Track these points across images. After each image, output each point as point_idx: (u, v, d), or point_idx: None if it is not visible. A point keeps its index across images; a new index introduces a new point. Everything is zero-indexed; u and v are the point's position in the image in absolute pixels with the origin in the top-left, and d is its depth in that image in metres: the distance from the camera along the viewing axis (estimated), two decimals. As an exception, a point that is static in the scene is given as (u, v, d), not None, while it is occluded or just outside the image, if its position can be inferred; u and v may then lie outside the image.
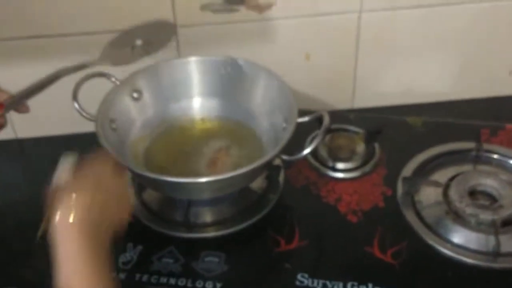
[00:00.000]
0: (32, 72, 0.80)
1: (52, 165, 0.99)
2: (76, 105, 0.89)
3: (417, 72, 1.14)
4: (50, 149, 1.08)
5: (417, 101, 1.17)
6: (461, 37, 1.09)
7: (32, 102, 0.86)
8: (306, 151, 0.84)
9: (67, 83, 0.86)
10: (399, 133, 1.07)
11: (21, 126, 1.10)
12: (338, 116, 1.06)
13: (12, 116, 0.86)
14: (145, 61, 0.95)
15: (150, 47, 0.92)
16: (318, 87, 1.14)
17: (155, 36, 0.94)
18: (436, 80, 1.16)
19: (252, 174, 0.86)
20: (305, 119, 0.88)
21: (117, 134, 0.92)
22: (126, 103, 0.97)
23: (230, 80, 0.99)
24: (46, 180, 0.90)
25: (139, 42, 0.92)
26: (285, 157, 0.85)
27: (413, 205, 0.92)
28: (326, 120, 0.85)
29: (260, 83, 0.97)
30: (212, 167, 0.93)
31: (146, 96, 0.98)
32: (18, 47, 1.00)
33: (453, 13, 1.05)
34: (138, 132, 0.98)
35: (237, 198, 0.93)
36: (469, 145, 1.01)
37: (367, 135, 1.03)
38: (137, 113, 0.99)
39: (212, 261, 0.84)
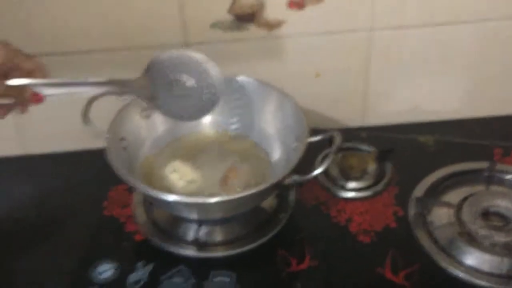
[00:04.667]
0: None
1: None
2: (86, 122, 0.89)
3: (427, 90, 1.16)
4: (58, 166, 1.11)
5: (427, 119, 1.18)
6: (471, 55, 1.11)
7: (40, 118, 0.91)
8: (317, 171, 0.85)
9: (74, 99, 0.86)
10: (410, 152, 1.09)
11: (30, 143, 1.13)
12: (349, 134, 1.08)
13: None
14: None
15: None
16: (328, 105, 1.16)
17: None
18: (446, 98, 1.17)
19: (263, 195, 0.87)
20: (317, 138, 0.90)
21: (127, 152, 0.94)
22: (136, 121, 0.99)
23: (241, 99, 1.01)
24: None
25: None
26: (296, 177, 0.86)
27: (425, 225, 0.92)
28: (338, 140, 0.88)
29: (271, 102, 0.99)
30: (223, 186, 0.94)
31: (156, 114, 0.98)
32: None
33: (462, 31, 1.07)
34: (149, 151, 1.00)
35: (247, 217, 0.94)
36: (482, 165, 1.02)
37: (378, 154, 1.05)
38: (147, 132, 1.01)
39: (223, 281, 0.85)
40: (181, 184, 0.94)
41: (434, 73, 1.13)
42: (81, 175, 1.07)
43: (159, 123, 1.01)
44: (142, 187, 0.84)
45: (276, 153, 0.99)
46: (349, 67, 1.10)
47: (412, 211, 0.95)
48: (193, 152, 1.02)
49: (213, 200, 0.82)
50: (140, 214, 0.97)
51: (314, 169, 0.86)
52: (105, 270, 0.88)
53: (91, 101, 0.89)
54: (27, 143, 1.13)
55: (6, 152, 1.14)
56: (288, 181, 0.85)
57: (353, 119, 1.18)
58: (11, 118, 0.75)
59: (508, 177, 1.00)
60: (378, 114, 1.18)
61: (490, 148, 1.07)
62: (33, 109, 0.75)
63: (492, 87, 1.15)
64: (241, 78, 1.00)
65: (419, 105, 1.17)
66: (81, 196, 1.03)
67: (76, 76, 0.83)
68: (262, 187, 0.82)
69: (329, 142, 0.92)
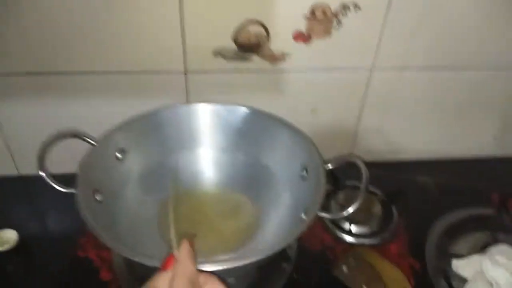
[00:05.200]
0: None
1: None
2: (42, 173, 0.45)
3: (414, 131, 0.75)
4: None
5: (412, 158, 0.77)
6: (458, 101, 0.72)
7: (33, 141, 0.49)
8: (353, 207, 0.44)
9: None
10: (412, 195, 0.67)
11: (23, 163, 0.68)
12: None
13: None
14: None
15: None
16: (319, 140, 0.74)
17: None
18: (433, 139, 0.77)
19: (267, 259, 0.42)
20: (332, 165, 0.50)
21: (104, 207, 0.47)
22: (110, 165, 0.51)
23: (245, 130, 0.57)
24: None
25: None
26: (327, 214, 0.45)
27: (449, 283, 0.52)
28: (364, 169, 0.47)
29: (276, 133, 0.55)
30: (223, 244, 0.49)
31: (134, 154, 0.53)
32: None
33: (456, 77, 0.68)
34: (129, 202, 0.51)
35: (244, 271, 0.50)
36: (486, 211, 0.62)
37: (385, 197, 0.63)
38: (125, 177, 0.53)
39: None
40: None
41: (422, 116, 0.73)
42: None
43: (138, 164, 0.54)
44: (126, 254, 0.39)
45: (280, 193, 0.53)
46: (345, 105, 0.70)
47: (431, 265, 0.53)
48: (186, 200, 0.55)
49: (205, 266, 0.38)
50: (118, 259, 0.53)
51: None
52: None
53: (45, 146, 0.46)
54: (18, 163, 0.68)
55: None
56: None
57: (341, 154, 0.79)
58: None
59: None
60: (364, 152, 0.77)
61: (488, 192, 0.67)
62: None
63: (471, 131, 0.77)
64: (243, 108, 0.57)
65: (407, 144, 0.77)
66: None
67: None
68: (263, 255, 0.39)
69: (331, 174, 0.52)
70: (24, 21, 0.55)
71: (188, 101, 0.64)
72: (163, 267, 0.36)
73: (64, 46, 0.58)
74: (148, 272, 0.36)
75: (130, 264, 0.52)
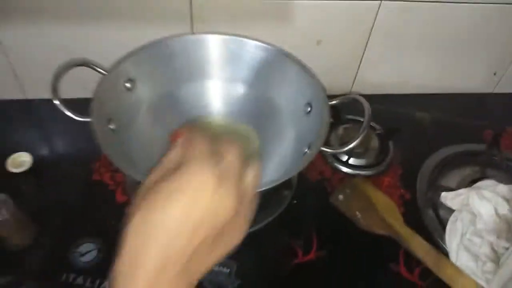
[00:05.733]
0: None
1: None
2: (57, 102, 0.46)
3: (415, 65, 0.75)
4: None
5: (412, 92, 0.78)
6: (460, 36, 0.71)
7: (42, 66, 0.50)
8: (354, 142, 0.46)
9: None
10: (409, 130, 0.69)
11: (30, 87, 0.67)
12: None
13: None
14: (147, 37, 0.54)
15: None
16: (323, 71, 0.74)
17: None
18: (436, 74, 0.77)
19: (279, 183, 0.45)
20: (335, 101, 0.51)
21: (117, 135, 0.48)
22: (120, 95, 0.52)
23: (252, 63, 0.57)
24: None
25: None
26: (327, 149, 0.46)
27: (435, 211, 0.56)
28: (367, 106, 0.49)
29: (282, 68, 0.55)
30: None
31: (143, 84, 0.53)
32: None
33: (458, 12, 0.67)
34: (141, 131, 0.53)
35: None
36: (478, 147, 0.65)
37: (383, 132, 0.65)
38: (136, 106, 0.53)
39: (222, 272, 0.47)
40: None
41: (426, 51, 0.72)
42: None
43: (148, 93, 0.54)
44: (137, 177, 0.41)
45: (285, 127, 0.55)
46: (351, 38, 0.69)
47: (420, 195, 0.57)
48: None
49: None
50: (132, 183, 0.56)
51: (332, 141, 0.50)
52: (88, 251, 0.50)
53: (58, 74, 0.47)
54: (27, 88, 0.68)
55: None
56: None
57: (342, 87, 0.77)
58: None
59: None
60: (365, 85, 0.77)
61: (481, 129, 0.69)
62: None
63: (475, 66, 0.77)
64: (251, 41, 0.55)
65: (405, 79, 0.77)
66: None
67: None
68: (276, 182, 0.42)
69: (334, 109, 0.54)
70: None
71: (192, 27, 0.62)
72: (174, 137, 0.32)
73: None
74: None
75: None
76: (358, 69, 0.75)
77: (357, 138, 0.45)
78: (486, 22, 0.70)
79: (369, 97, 0.71)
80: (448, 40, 0.73)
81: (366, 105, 0.48)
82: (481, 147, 0.65)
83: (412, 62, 0.76)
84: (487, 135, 0.69)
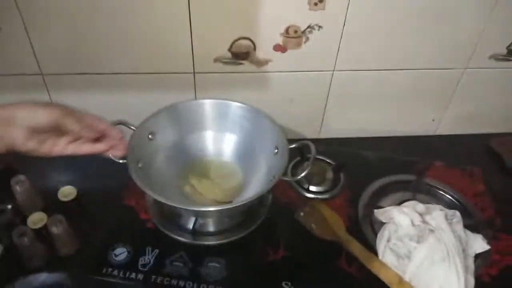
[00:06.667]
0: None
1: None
2: (111, 155, 0.66)
3: (367, 115, 0.97)
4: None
5: (366, 135, 1.00)
6: (398, 93, 0.92)
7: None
8: (303, 173, 0.67)
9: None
10: (358, 164, 0.90)
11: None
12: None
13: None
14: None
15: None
16: (296, 123, 0.96)
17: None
18: (381, 121, 0.98)
19: (258, 199, 0.66)
20: (293, 145, 0.72)
21: (143, 171, 0.70)
22: (145, 144, 0.75)
23: (236, 119, 0.80)
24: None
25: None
26: (286, 178, 0.68)
27: (370, 223, 0.76)
28: (313, 148, 0.70)
29: (257, 122, 0.77)
30: (222, 195, 0.75)
31: (160, 135, 0.76)
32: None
33: (398, 76, 0.89)
34: (159, 168, 0.76)
35: (235, 212, 0.75)
36: (410, 177, 0.85)
37: (335, 165, 0.87)
38: (156, 151, 0.76)
39: (214, 266, 0.68)
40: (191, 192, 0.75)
41: (374, 104, 0.94)
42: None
43: (163, 140, 0.77)
44: (155, 196, 0.63)
45: (260, 163, 0.77)
46: (314, 96, 0.91)
47: (361, 212, 0.78)
48: (198, 164, 0.81)
49: (211, 208, 0.66)
50: (151, 206, 0.77)
51: (298, 172, 0.69)
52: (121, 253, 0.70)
53: None
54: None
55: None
56: (279, 180, 0.66)
57: (312, 133, 0.99)
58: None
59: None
60: (331, 130, 0.98)
61: (414, 163, 0.89)
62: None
63: (415, 115, 0.98)
64: (234, 103, 0.80)
65: (361, 126, 0.98)
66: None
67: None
68: (258, 194, 0.63)
69: (299, 152, 0.74)
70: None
71: (196, 95, 0.86)
72: None
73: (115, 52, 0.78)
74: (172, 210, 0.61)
75: (159, 207, 0.76)
76: (322, 120, 0.97)
77: (304, 171, 0.67)
78: (418, 82, 0.91)
79: (331, 140, 0.94)
80: (391, 97, 0.94)
81: (312, 147, 0.70)
82: (411, 177, 0.86)
83: (364, 113, 0.97)
84: (417, 168, 0.89)
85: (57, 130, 0.57)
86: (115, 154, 0.64)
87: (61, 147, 0.58)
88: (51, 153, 0.58)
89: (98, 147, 0.61)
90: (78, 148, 0.59)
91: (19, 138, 0.54)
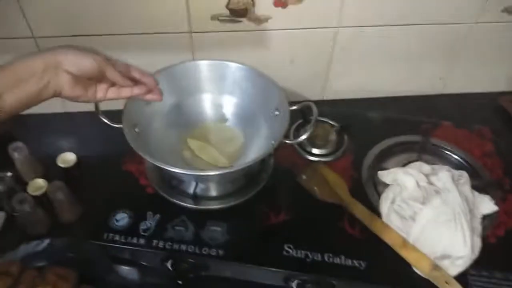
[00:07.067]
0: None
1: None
2: (102, 118, 0.66)
3: (372, 75, 0.93)
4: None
5: (371, 96, 0.96)
6: (404, 51, 0.88)
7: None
8: (305, 136, 0.65)
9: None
10: (362, 126, 0.87)
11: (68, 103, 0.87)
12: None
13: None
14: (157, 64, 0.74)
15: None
16: (297, 84, 0.92)
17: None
18: (386, 81, 0.94)
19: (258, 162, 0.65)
20: (294, 107, 0.69)
21: (140, 136, 0.69)
22: (142, 108, 0.72)
23: (235, 80, 0.77)
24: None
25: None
26: (288, 141, 0.66)
27: (374, 185, 0.74)
28: (315, 110, 0.67)
29: (257, 83, 0.74)
30: (223, 158, 0.73)
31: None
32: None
33: (402, 32, 0.84)
34: (156, 132, 0.73)
35: (237, 176, 0.73)
36: (416, 138, 0.82)
37: (339, 128, 0.83)
38: (153, 115, 0.74)
39: (216, 230, 0.67)
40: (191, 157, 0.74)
41: (378, 63, 0.90)
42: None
43: (160, 104, 0.72)
44: (154, 162, 0.61)
45: (261, 126, 0.75)
46: (317, 56, 0.87)
47: (365, 175, 0.76)
48: (196, 126, 0.79)
49: (211, 172, 0.64)
50: (151, 171, 0.75)
51: (300, 135, 0.67)
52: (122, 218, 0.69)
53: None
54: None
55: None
56: (281, 143, 0.64)
57: (315, 94, 0.95)
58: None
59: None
60: (334, 92, 0.95)
61: (420, 123, 0.86)
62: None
63: (422, 73, 0.94)
64: (233, 64, 0.76)
65: (365, 86, 0.94)
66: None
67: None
68: (261, 155, 0.62)
69: (302, 114, 0.72)
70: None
71: (193, 54, 0.82)
72: None
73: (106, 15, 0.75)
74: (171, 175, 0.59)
75: (159, 172, 0.75)
76: (325, 80, 0.94)
77: (306, 133, 0.64)
78: (425, 38, 0.87)
79: (335, 102, 0.90)
80: (397, 55, 0.90)
81: (314, 109, 0.67)
82: (417, 137, 0.83)
83: (369, 72, 0.94)
84: (423, 128, 0.86)
85: (95, 77, 0.57)
86: (152, 98, 0.64)
87: (103, 92, 0.60)
88: (96, 98, 0.59)
89: (136, 91, 0.62)
90: (118, 92, 0.61)
91: (67, 83, 0.54)
